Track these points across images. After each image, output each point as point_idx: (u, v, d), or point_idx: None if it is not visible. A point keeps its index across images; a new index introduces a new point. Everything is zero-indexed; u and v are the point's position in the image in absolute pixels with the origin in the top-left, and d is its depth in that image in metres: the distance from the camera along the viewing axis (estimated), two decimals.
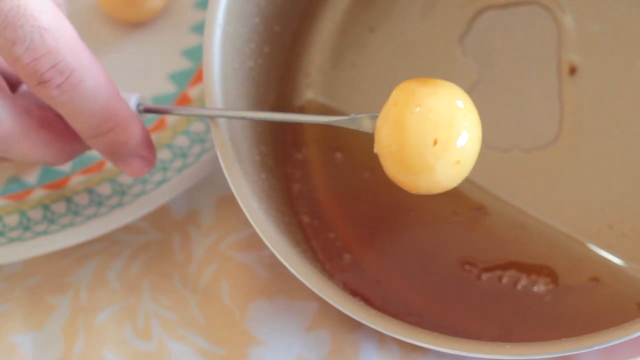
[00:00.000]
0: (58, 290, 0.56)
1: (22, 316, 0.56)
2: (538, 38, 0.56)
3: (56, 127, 0.49)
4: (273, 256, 0.48)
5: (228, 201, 0.58)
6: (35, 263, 0.57)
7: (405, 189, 0.45)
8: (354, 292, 0.53)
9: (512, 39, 0.56)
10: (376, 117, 0.45)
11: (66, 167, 0.58)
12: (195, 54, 0.60)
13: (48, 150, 0.49)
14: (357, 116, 0.46)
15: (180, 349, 0.54)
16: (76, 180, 0.57)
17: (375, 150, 0.44)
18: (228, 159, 0.49)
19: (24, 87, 0.52)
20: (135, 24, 0.62)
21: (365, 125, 0.46)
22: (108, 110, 0.48)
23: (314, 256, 0.54)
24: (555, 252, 0.53)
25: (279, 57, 0.57)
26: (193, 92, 0.59)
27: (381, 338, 0.54)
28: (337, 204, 0.56)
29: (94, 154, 0.56)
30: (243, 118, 0.51)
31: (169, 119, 0.58)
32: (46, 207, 0.56)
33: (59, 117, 0.50)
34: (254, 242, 0.56)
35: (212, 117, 0.49)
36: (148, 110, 0.51)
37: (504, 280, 0.53)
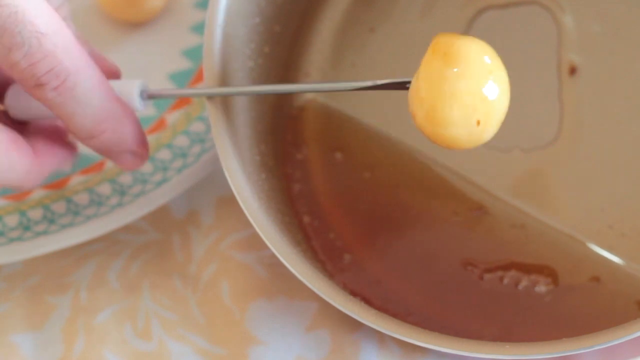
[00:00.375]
0: (58, 290, 0.56)
1: (22, 316, 0.56)
2: (538, 38, 0.56)
3: (24, 147, 0.49)
4: (273, 256, 0.48)
5: (228, 201, 0.58)
6: (35, 263, 0.57)
7: (431, 141, 0.45)
8: (354, 292, 0.53)
9: (512, 39, 0.56)
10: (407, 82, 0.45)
11: (66, 167, 0.58)
12: (195, 54, 0.60)
13: (16, 175, 0.49)
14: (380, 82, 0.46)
15: (180, 349, 0.54)
16: (76, 180, 0.57)
17: (410, 109, 0.45)
18: (228, 159, 0.49)
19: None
20: (135, 24, 0.62)
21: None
22: (103, 112, 0.48)
23: (314, 256, 0.54)
24: (555, 252, 0.53)
25: (279, 57, 0.57)
26: None
27: (381, 338, 0.53)
28: (337, 204, 0.56)
29: (94, 154, 0.56)
30: (249, 93, 0.50)
31: (169, 119, 0.58)
32: (46, 207, 0.56)
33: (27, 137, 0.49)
34: (254, 242, 0.56)
35: (212, 96, 0.49)
36: (152, 96, 0.51)
37: (505, 281, 0.53)
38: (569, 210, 0.53)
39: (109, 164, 0.57)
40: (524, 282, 0.52)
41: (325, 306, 0.52)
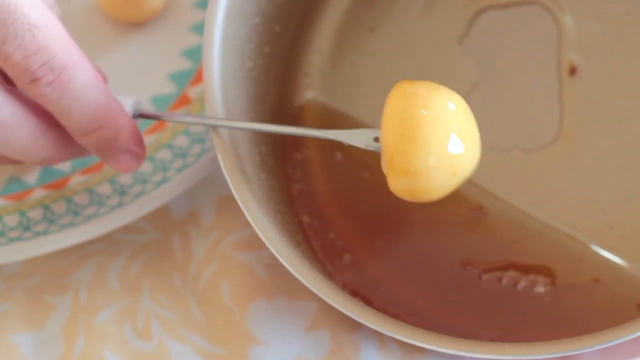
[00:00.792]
0: (58, 290, 0.56)
1: (22, 316, 0.56)
2: (538, 38, 0.56)
3: (52, 116, 0.49)
4: (273, 256, 0.48)
5: (228, 201, 0.58)
6: (35, 263, 0.57)
7: (407, 200, 0.45)
8: (354, 292, 0.53)
9: (512, 39, 0.56)
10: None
11: (66, 167, 0.58)
12: (195, 54, 0.60)
13: (47, 140, 0.49)
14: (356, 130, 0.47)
15: (180, 349, 0.54)
16: (76, 180, 0.57)
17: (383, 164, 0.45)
18: (228, 159, 0.49)
19: None
20: (135, 24, 0.62)
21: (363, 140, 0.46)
22: (98, 107, 0.48)
23: (314, 256, 0.54)
24: (555, 253, 0.53)
25: (279, 57, 0.57)
26: (193, 92, 0.59)
27: (381, 338, 0.53)
28: (337, 204, 0.56)
29: None
30: (235, 128, 0.50)
31: None
32: (46, 207, 0.56)
33: None
34: (254, 242, 0.56)
35: (204, 125, 0.49)
36: (143, 116, 0.51)
37: (504, 281, 0.52)
38: (569, 210, 0.53)
39: None
40: (523, 283, 0.52)
41: (325, 306, 0.52)
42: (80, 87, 0.47)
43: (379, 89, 0.50)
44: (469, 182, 0.54)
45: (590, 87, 0.54)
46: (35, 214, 0.56)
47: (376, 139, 0.46)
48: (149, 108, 0.58)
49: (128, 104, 0.50)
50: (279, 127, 0.49)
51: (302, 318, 0.54)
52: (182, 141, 0.57)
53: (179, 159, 0.57)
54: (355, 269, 0.54)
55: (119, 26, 0.62)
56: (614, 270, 0.52)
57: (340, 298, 0.47)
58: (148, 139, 0.57)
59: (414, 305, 0.53)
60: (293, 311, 0.55)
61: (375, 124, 0.57)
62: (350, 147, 0.45)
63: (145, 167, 0.57)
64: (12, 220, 0.56)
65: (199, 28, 0.61)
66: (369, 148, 0.46)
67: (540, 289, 0.52)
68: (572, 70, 0.55)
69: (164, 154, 0.57)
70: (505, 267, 0.53)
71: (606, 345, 0.44)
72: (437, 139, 0.44)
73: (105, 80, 0.51)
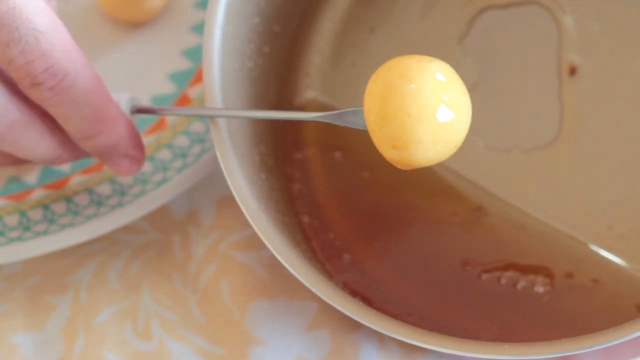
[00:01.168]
0: (58, 290, 0.56)
1: (22, 316, 0.56)
2: (538, 38, 0.56)
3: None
4: (273, 256, 0.48)
5: (228, 201, 0.58)
6: (35, 263, 0.57)
7: (395, 165, 0.45)
8: (354, 292, 0.53)
9: (512, 39, 0.56)
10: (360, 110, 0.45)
11: (66, 167, 0.58)
12: (195, 54, 0.60)
13: (55, 140, 0.49)
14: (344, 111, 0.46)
15: (180, 349, 0.54)
16: (76, 180, 0.57)
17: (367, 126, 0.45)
18: (228, 159, 0.49)
19: None
20: (135, 24, 0.61)
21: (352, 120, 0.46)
22: (99, 113, 0.48)
23: (314, 256, 0.54)
24: (555, 253, 0.53)
25: (279, 57, 0.57)
26: (193, 92, 0.59)
27: (381, 338, 0.53)
28: (337, 204, 0.56)
29: None
30: (233, 117, 0.51)
31: (169, 119, 0.58)
32: (46, 207, 0.56)
33: None
34: (254, 242, 0.56)
35: (203, 117, 0.49)
36: (140, 111, 0.51)
37: (503, 281, 0.52)
38: (569, 210, 0.53)
39: None
40: (522, 283, 0.52)
41: (325, 306, 0.52)
42: (81, 93, 0.47)
43: None
44: (469, 182, 0.54)
45: (590, 87, 0.54)
46: (35, 214, 0.56)
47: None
48: (144, 104, 0.58)
49: (124, 100, 0.50)
50: (270, 113, 0.53)
51: (302, 318, 0.54)
52: (182, 141, 0.57)
53: (179, 159, 0.57)
54: (355, 269, 0.54)
55: (119, 26, 0.62)
56: (613, 271, 0.52)
57: (340, 298, 0.47)
58: (148, 139, 0.57)
59: (414, 305, 0.53)
60: (293, 311, 0.55)
61: None
62: (350, 147, 0.46)
63: (145, 167, 0.57)
64: (12, 220, 0.56)
65: (199, 28, 0.61)
66: (357, 126, 0.46)
67: (540, 289, 0.52)
68: (572, 70, 0.55)
69: (164, 154, 0.57)
70: (505, 267, 0.53)
71: (606, 345, 0.44)
72: (415, 108, 0.43)
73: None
